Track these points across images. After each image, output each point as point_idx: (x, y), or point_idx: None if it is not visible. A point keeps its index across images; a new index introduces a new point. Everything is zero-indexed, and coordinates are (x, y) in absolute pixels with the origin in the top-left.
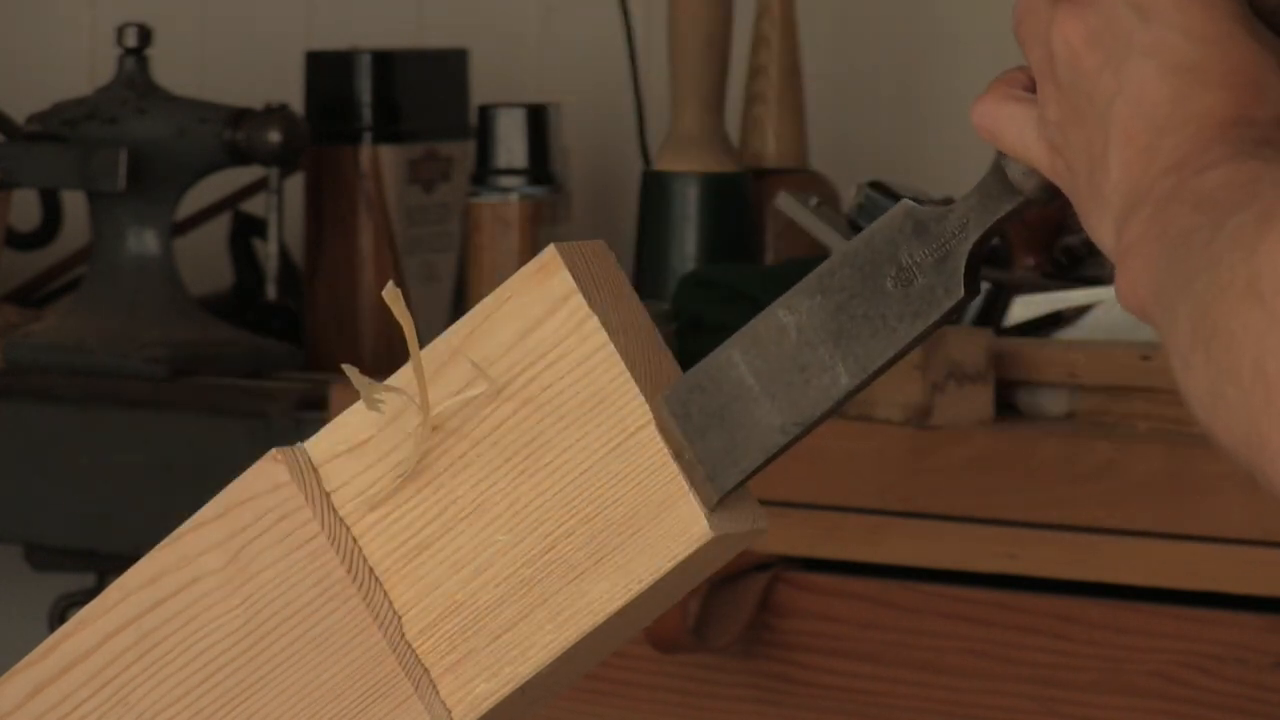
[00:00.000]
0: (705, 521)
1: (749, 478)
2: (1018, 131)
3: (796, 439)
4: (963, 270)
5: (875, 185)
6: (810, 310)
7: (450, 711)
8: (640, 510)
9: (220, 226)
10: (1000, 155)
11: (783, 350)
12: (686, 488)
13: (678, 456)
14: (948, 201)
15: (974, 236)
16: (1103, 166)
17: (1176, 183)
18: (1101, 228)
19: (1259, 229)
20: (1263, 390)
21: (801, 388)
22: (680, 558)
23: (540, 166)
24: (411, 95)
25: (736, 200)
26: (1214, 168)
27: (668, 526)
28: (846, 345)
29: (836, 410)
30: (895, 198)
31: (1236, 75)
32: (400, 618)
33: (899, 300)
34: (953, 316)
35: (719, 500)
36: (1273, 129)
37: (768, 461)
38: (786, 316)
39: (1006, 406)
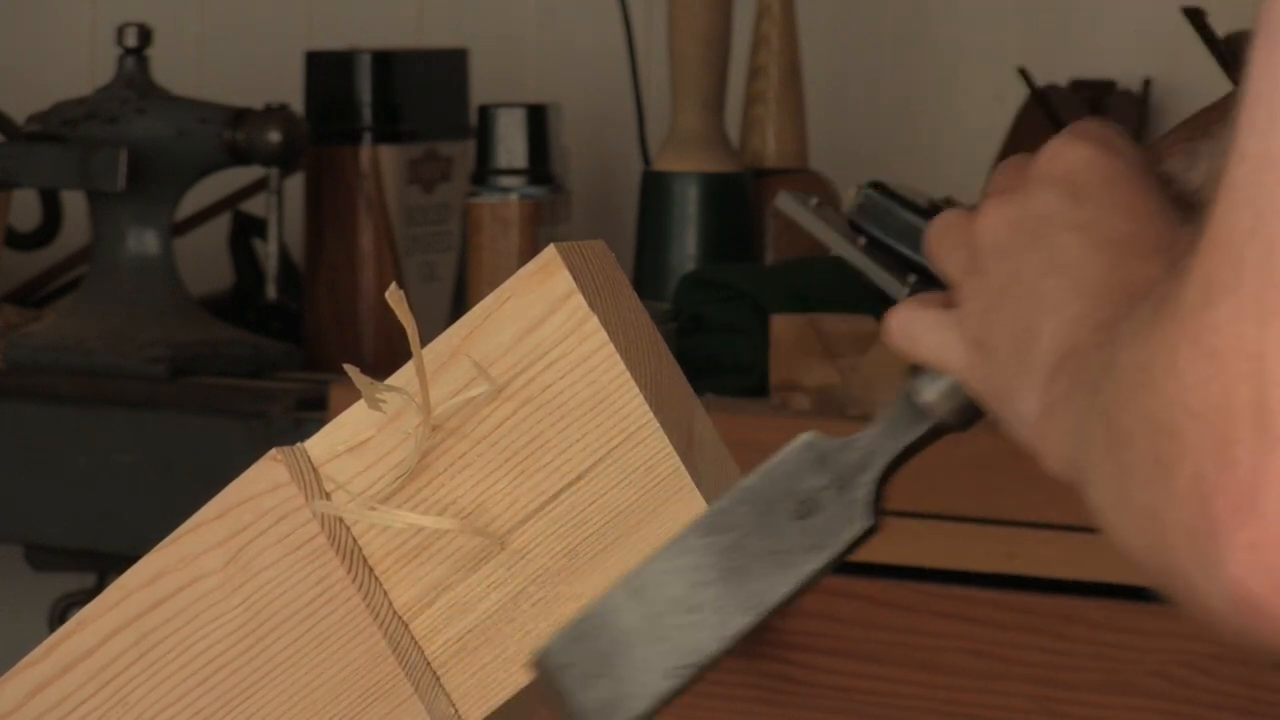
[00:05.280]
0: None
1: None
2: (936, 337)
3: (690, 681)
4: (869, 501)
5: (875, 185)
6: (703, 549)
7: (450, 712)
8: (639, 508)
9: (220, 226)
10: (908, 382)
11: (672, 592)
12: (687, 483)
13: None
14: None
15: (879, 466)
16: (1032, 337)
17: (1104, 338)
18: (1023, 400)
19: (1153, 317)
20: (1161, 479)
21: (689, 630)
22: None
23: (540, 166)
24: (411, 95)
25: (736, 200)
26: (1137, 313)
27: (668, 523)
28: (738, 582)
29: (731, 649)
30: (895, 198)
31: (1168, 245)
32: (400, 618)
33: (797, 533)
34: (858, 546)
35: None
36: None
37: (658, 707)
38: (678, 558)
39: None
